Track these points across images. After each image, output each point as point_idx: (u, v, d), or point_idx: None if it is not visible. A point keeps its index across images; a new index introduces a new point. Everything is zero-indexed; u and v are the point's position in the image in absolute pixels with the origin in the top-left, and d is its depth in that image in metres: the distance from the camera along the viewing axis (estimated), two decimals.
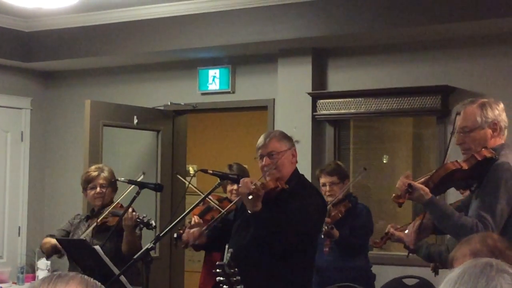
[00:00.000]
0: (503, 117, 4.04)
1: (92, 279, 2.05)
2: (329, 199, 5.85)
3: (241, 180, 4.35)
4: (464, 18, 6.28)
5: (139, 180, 5.34)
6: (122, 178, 5.47)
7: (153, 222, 5.12)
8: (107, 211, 5.37)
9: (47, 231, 8.45)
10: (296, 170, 4.61)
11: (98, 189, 5.50)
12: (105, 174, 5.55)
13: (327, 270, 5.80)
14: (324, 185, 5.93)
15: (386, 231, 4.80)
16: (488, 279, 1.78)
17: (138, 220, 5.09)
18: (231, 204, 5.07)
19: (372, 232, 6.06)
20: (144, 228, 5.23)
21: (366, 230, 5.95)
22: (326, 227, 5.57)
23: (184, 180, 6.53)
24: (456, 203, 4.81)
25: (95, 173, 5.55)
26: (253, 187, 4.22)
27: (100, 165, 5.77)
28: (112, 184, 5.53)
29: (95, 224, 5.37)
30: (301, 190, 4.50)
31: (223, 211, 5.42)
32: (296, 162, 4.62)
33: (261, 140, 4.56)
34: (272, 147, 4.50)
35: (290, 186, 4.46)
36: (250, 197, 4.20)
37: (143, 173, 5.52)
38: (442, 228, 4.10)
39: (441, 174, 3.99)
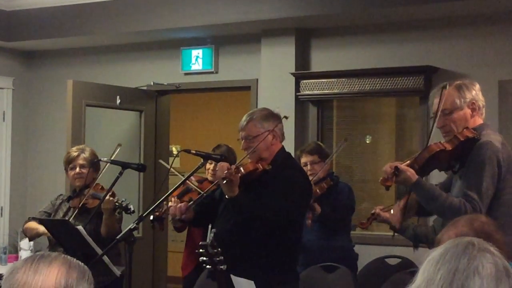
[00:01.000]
0: (480, 97, 4.11)
1: (74, 259, 2.05)
2: (310, 178, 5.86)
3: (218, 164, 4.35)
4: None
5: (116, 153, 5.36)
6: (105, 158, 5.46)
7: (131, 207, 5.11)
8: (88, 193, 5.35)
9: (29, 211, 8.44)
10: (281, 149, 4.57)
11: (77, 169, 5.49)
12: (85, 154, 5.53)
13: (310, 249, 5.81)
14: (305, 164, 5.93)
15: (372, 211, 4.83)
16: (470, 258, 1.80)
17: (117, 204, 5.08)
18: (211, 186, 5.05)
19: (353, 210, 6.08)
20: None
21: (347, 208, 5.96)
22: None
23: (166, 165, 6.53)
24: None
25: (75, 154, 5.54)
26: (226, 171, 4.21)
27: (82, 146, 5.76)
28: (93, 164, 5.51)
29: (75, 208, 5.36)
30: (285, 170, 4.46)
31: (202, 192, 5.43)
32: (281, 140, 4.58)
33: (241, 122, 4.55)
34: (248, 130, 4.48)
35: (273, 167, 4.44)
36: (224, 181, 4.20)
37: (119, 145, 5.51)
38: (429, 209, 4.13)
39: (425, 156, 4.02)
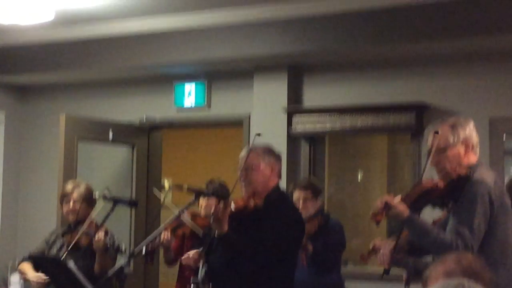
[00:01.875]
0: (473, 135, 4.13)
1: None
2: (302, 214, 5.85)
3: (206, 203, 4.36)
4: (439, 36, 6.33)
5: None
6: (97, 193, 5.46)
7: (123, 247, 5.10)
8: (81, 231, 5.33)
9: (20, 246, 8.42)
10: (277, 186, 4.56)
11: (71, 204, 5.48)
12: (80, 189, 5.52)
13: (300, 286, 5.79)
14: (297, 200, 5.92)
15: (372, 245, 4.82)
16: None
17: (108, 245, 5.08)
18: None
19: (344, 247, 6.07)
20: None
21: (339, 245, 5.95)
22: None
23: (159, 196, 6.51)
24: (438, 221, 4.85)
25: (70, 188, 5.53)
26: (213, 210, 4.21)
27: (78, 181, 5.75)
28: (88, 200, 5.50)
29: (68, 245, 5.35)
30: (278, 209, 4.44)
31: (195, 227, 5.43)
32: (278, 178, 4.58)
33: (242, 152, 4.57)
34: (249, 161, 4.47)
35: (266, 203, 4.41)
36: (211, 219, 4.21)
37: (107, 189, 5.50)
38: (421, 245, 4.12)
39: (417, 192, 4.04)
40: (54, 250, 5.49)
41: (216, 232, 4.26)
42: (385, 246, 4.34)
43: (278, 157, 4.58)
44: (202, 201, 6.09)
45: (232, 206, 4.33)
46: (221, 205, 4.26)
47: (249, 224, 4.37)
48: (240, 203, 4.38)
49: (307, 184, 5.99)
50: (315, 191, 5.99)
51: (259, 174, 4.46)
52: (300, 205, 5.88)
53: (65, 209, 5.53)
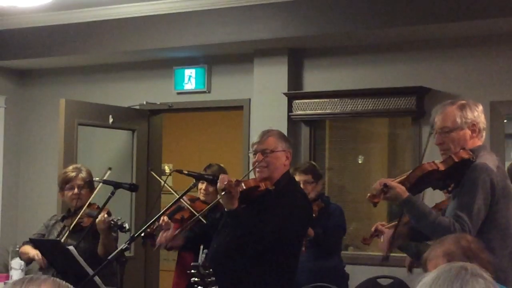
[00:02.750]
0: (481, 119, 4.09)
1: (64, 281, 2.04)
2: None
3: (220, 175, 4.31)
4: (439, 19, 6.32)
5: (106, 176, 5.35)
6: (97, 178, 5.45)
7: (126, 225, 5.10)
8: (82, 212, 5.33)
9: (20, 231, 8.42)
10: (287, 172, 4.53)
11: (75, 190, 5.46)
12: (83, 174, 5.50)
13: (301, 270, 5.79)
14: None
15: (374, 228, 4.82)
16: (463, 282, 1.79)
17: (112, 223, 5.07)
18: (208, 206, 5.01)
19: (345, 232, 6.09)
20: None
21: (339, 230, 5.96)
22: None
23: (158, 178, 6.49)
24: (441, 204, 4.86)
25: (73, 174, 5.50)
26: (226, 183, 4.17)
27: (78, 165, 5.71)
28: (89, 184, 5.49)
29: (69, 226, 5.35)
30: (288, 193, 4.42)
31: (194, 211, 5.43)
32: (289, 165, 4.54)
33: (259, 135, 4.51)
34: (267, 144, 4.43)
35: (277, 188, 4.38)
36: (223, 193, 4.17)
37: (109, 169, 5.50)
38: (419, 228, 4.12)
39: (417, 174, 4.02)
40: (54, 234, 5.49)
41: (225, 208, 4.24)
42: (386, 233, 4.35)
43: (291, 144, 4.57)
44: (201, 186, 6.09)
45: (242, 184, 4.32)
46: (233, 180, 4.23)
47: (258, 205, 4.34)
48: (251, 183, 4.35)
49: (307, 168, 6.00)
50: (315, 175, 6.00)
51: (277, 159, 4.42)
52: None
53: (68, 194, 5.51)
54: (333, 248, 5.95)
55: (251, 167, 4.58)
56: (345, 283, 6.03)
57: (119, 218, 5.12)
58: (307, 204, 4.60)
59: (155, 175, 6.59)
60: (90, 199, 5.46)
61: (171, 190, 5.88)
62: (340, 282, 5.84)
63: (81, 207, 5.41)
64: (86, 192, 5.46)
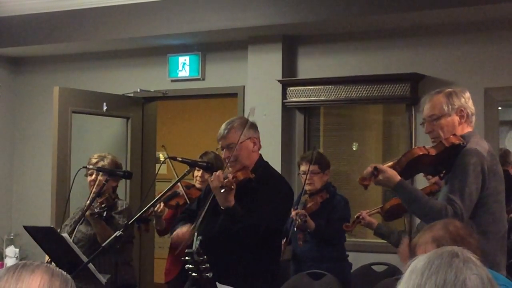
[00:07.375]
0: (469, 105, 4.11)
1: (57, 268, 2.04)
2: (307, 187, 5.83)
3: (214, 174, 4.31)
4: (433, 6, 6.31)
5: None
6: (91, 166, 5.45)
7: (104, 213, 5.19)
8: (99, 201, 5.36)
9: (14, 218, 8.42)
10: (260, 157, 4.55)
11: (93, 176, 5.47)
12: (104, 162, 5.49)
13: (303, 260, 5.80)
14: (304, 173, 5.88)
15: (357, 215, 4.82)
16: (457, 271, 1.79)
17: (94, 211, 5.16)
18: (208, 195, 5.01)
19: (348, 222, 6.03)
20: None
21: (343, 222, 5.85)
22: (299, 220, 5.54)
23: (165, 155, 6.37)
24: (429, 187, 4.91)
25: (94, 161, 5.51)
26: (226, 180, 4.19)
27: (104, 154, 5.68)
28: (110, 173, 5.43)
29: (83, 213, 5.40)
30: (268, 179, 4.46)
31: (189, 198, 5.45)
32: (259, 149, 4.55)
33: (220, 131, 4.51)
34: (230, 139, 4.45)
35: (256, 175, 4.42)
36: (222, 190, 4.18)
37: (109, 154, 5.55)
38: (411, 212, 4.15)
39: (408, 158, 4.04)
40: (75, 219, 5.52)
41: (221, 205, 4.25)
42: (404, 241, 4.43)
43: (256, 127, 4.55)
44: (197, 173, 6.10)
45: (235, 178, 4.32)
46: (231, 176, 4.25)
47: (244, 195, 4.34)
48: (241, 176, 4.37)
49: (315, 158, 5.92)
50: (322, 165, 5.93)
51: (244, 149, 4.44)
52: (306, 178, 5.84)
53: (88, 180, 5.54)
54: (335, 239, 5.89)
55: None
56: (347, 273, 5.97)
57: (103, 205, 5.14)
58: (288, 186, 4.64)
59: (165, 150, 6.49)
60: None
61: (174, 173, 5.88)
62: (342, 272, 5.80)
63: (101, 195, 5.39)
64: (109, 180, 5.39)
